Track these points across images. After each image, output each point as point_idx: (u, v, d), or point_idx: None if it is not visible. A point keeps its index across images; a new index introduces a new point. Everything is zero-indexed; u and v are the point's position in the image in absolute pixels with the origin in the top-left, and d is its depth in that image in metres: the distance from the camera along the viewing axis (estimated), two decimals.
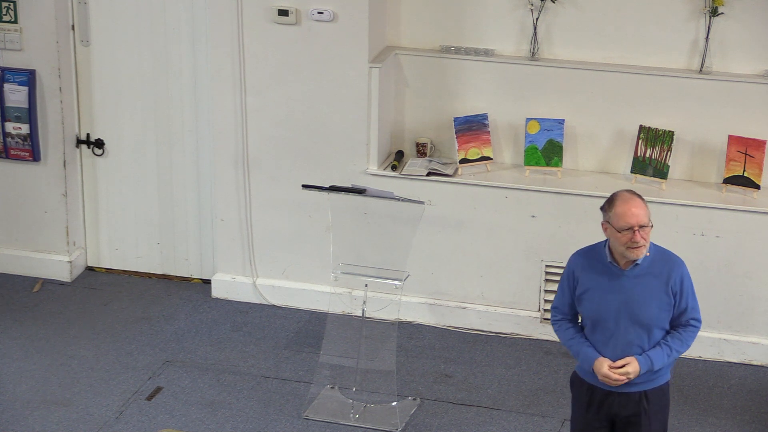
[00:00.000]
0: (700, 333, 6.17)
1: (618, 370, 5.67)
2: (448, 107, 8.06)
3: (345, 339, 7.74)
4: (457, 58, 7.97)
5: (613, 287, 5.68)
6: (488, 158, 7.97)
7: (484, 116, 7.95)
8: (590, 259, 5.77)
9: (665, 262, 5.69)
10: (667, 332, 5.73)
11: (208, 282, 8.65)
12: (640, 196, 5.66)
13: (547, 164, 7.89)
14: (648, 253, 5.66)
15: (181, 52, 8.28)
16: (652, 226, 5.61)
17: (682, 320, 5.73)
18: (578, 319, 5.89)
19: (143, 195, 8.62)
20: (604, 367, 5.68)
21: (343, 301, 8.18)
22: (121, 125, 8.53)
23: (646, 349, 5.69)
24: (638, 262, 5.65)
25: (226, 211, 8.33)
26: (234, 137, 8.15)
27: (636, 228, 5.55)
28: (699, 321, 5.77)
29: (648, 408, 5.76)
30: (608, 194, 7.60)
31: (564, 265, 7.87)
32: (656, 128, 7.71)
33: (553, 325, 5.92)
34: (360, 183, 7.80)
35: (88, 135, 8.61)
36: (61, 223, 8.63)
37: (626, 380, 5.69)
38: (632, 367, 5.66)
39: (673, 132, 7.69)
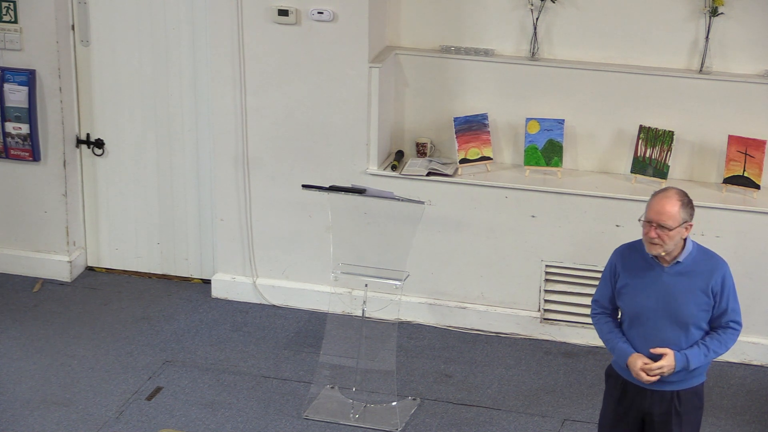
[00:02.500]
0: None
1: (651, 367, 5.63)
2: (448, 107, 8.05)
3: (345, 339, 7.74)
4: (457, 58, 7.96)
5: (652, 283, 5.66)
6: (488, 158, 7.97)
7: (484, 116, 7.95)
8: (633, 253, 5.75)
9: (707, 262, 5.67)
10: (706, 333, 5.71)
11: (208, 282, 8.65)
12: (681, 200, 5.57)
13: (547, 164, 7.89)
14: (672, 254, 5.61)
15: (181, 52, 8.28)
16: (672, 230, 5.53)
17: (722, 322, 5.70)
18: (618, 314, 5.87)
19: (143, 195, 8.62)
20: (638, 363, 5.66)
21: (343, 301, 8.18)
22: (121, 125, 8.53)
23: (682, 348, 5.66)
24: (680, 260, 5.64)
25: (226, 211, 8.33)
26: (234, 137, 8.15)
27: (654, 224, 5.55)
28: (739, 324, 5.72)
29: (679, 408, 5.74)
30: (608, 194, 7.72)
31: (564, 264, 7.89)
32: (656, 128, 7.71)
33: (592, 318, 5.91)
34: (360, 183, 7.80)
35: (88, 135, 8.61)
36: (61, 223, 8.63)
37: (658, 378, 5.66)
38: (668, 360, 5.61)
39: (673, 132, 7.69)
